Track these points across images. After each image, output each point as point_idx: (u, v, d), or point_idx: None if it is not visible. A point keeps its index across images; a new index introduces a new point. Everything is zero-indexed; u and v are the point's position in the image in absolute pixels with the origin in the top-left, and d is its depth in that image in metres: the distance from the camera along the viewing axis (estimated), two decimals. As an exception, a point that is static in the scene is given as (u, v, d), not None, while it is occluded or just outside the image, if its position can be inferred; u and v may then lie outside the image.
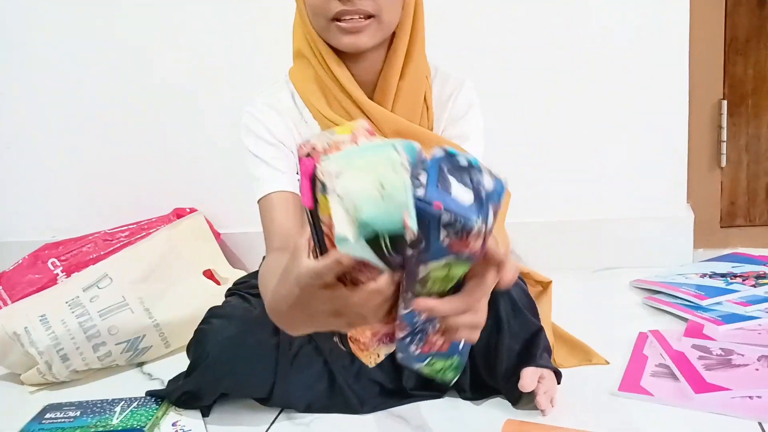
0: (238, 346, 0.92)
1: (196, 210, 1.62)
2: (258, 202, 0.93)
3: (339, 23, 0.86)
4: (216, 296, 1.15)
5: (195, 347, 0.95)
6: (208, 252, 1.48)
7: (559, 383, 0.92)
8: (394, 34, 0.91)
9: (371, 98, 0.93)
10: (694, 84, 1.36)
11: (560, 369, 0.95)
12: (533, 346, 0.92)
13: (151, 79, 1.61)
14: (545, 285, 1.14)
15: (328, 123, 0.92)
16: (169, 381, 1.02)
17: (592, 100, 1.38)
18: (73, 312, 1.18)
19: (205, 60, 1.56)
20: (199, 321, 0.98)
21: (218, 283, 1.40)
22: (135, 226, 1.62)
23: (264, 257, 0.91)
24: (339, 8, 0.85)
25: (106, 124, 1.67)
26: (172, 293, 1.26)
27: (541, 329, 0.95)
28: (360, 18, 0.86)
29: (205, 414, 0.98)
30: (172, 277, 1.30)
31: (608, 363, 1.03)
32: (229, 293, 1.08)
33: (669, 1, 1.32)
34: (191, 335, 0.98)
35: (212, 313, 0.98)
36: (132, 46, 1.60)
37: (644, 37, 1.33)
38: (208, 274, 1.42)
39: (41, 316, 1.17)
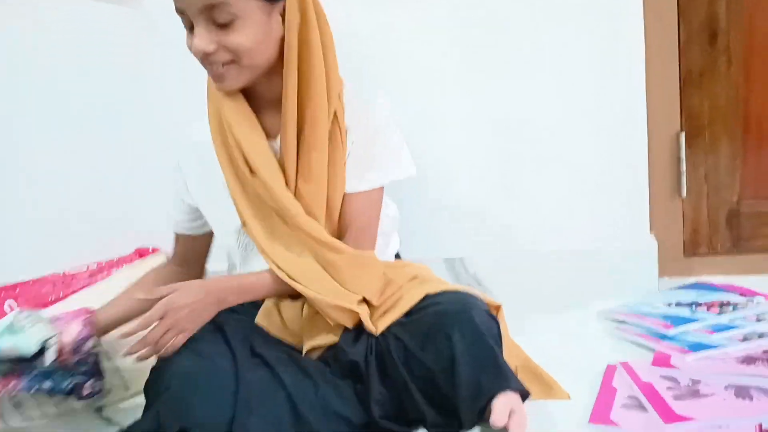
0: (198, 379, 0.89)
1: (158, 250, 1.59)
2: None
3: (210, 69, 0.97)
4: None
5: (153, 383, 0.92)
6: None
7: (524, 400, 0.90)
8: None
9: (277, 121, 1.00)
10: (652, 117, 1.39)
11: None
12: (498, 371, 0.90)
13: (112, 117, 1.59)
14: (496, 308, 1.14)
15: (222, 164, 1.03)
16: (128, 426, 0.98)
17: (553, 135, 1.40)
18: None
19: (169, 98, 1.55)
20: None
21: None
22: (95, 266, 1.58)
23: None
24: (200, 58, 0.96)
25: (64, 163, 1.64)
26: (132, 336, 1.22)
27: (499, 354, 0.93)
28: (219, 66, 0.95)
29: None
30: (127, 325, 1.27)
31: (569, 398, 1.01)
32: None
33: (625, 37, 1.35)
34: None
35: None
36: (94, 86, 1.59)
37: (602, 72, 1.37)
38: None
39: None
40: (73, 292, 1.51)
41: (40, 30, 1.59)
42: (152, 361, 1.02)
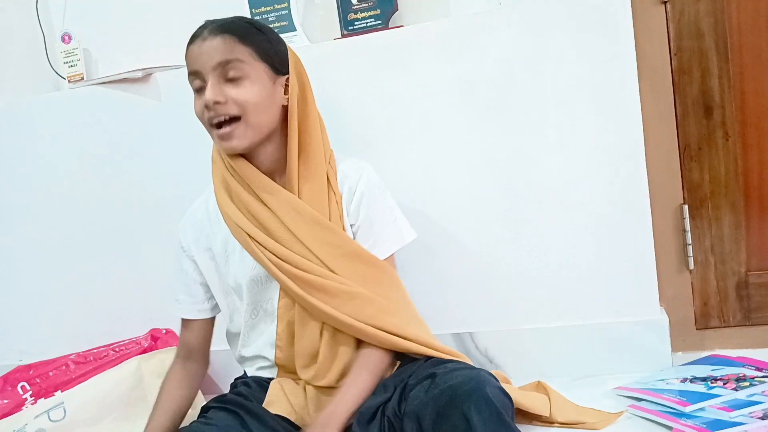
0: None
1: (171, 331, 1.60)
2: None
3: (217, 130, 1.05)
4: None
5: None
6: None
7: None
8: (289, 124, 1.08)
9: (281, 185, 1.09)
10: (654, 191, 1.41)
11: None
12: None
13: (124, 200, 1.64)
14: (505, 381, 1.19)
15: (229, 218, 1.09)
16: None
17: (558, 210, 1.42)
18: None
19: (178, 181, 1.60)
20: None
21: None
22: (109, 348, 1.59)
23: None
24: (209, 114, 1.04)
25: (80, 244, 1.68)
26: None
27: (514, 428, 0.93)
28: (225, 119, 1.03)
29: None
30: (128, 420, 1.26)
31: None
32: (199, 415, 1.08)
33: (623, 113, 1.38)
34: None
35: None
36: (106, 170, 1.65)
37: (602, 149, 1.40)
38: None
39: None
40: (87, 374, 1.52)
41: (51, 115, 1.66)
42: None
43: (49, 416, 1.27)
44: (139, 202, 1.64)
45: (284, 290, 1.08)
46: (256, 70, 1.04)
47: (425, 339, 1.09)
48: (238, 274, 1.11)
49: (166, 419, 1.12)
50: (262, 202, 1.07)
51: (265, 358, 1.13)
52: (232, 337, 1.21)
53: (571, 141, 1.41)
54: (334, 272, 1.06)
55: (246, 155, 1.08)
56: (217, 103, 1.02)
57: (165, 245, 1.62)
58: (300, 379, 1.10)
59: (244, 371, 1.19)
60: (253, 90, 1.03)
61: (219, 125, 1.04)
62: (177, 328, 1.60)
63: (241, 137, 1.04)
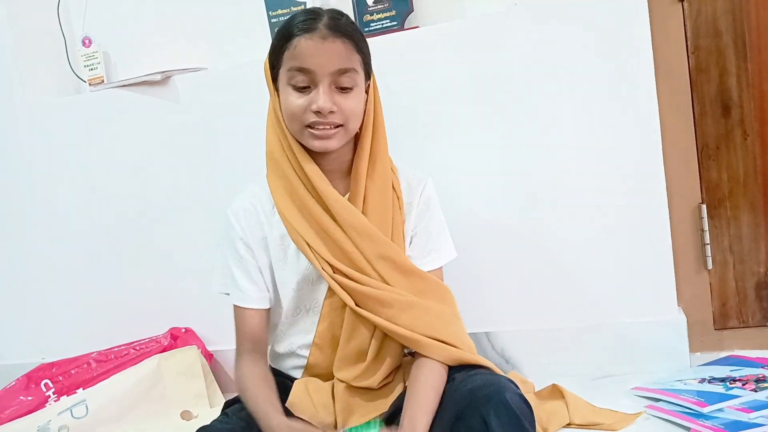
0: None
1: (191, 330, 1.62)
2: (234, 305, 1.11)
3: (312, 130, 1.02)
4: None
5: None
6: (193, 391, 1.45)
7: None
8: (360, 130, 1.06)
9: (343, 186, 1.07)
10: (672, 191, 1.40)
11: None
12: None
13: (144, 200, 1.67)
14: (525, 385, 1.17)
15: (286, 220, 1.06)
16: None
17: (576, 210, 1.42)
18: None
19: (196, 182, 1.62)
20: None
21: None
22: (129, 347, 1.61)
23: (236, 358, 1.09)
24: (313, 119, 1.01)
25: (99, 245, 1.71)
26: None
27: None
28: (330, 128, 1.01)
29: None
30: (149, 418, 1.28)
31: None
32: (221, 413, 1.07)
33: (641, 113, 1.38)
34: None
35: (199, 430, 0.96)
36: (126, 170, 1.67)
37: (620, 148, 1.39)
38: (186, 415, 1.39)
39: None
40: (108, 372, 1.54)
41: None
42: None
43: (72, 413, 1.29)
44: (158, 203, 1.66)
45: (333, 291, 1.07)
46: (360, 78, 1.03)
47: (472, 347, 1.08)
48: (291, 271, 1.09)
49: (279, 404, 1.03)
50: (325, 209, 1.05)
51: (299, 356, 1.12)
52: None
53: (588, 140, 1.40)
54: (389, 284, 1.05)
55: (315, 154, 1.06)
56: (331, 112, 1.00)
57: (184, 245, 1.65)
58: (330, 379, 1.09)
59: (270, 367, 1.19)
60: (359, 100, 1.03)
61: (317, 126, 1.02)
62: (196, 327, 1.64)
63: (339, 140, 1.03)
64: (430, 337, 1.03)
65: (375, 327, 1.05)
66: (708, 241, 1.45)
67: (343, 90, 1.01)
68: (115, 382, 1.38)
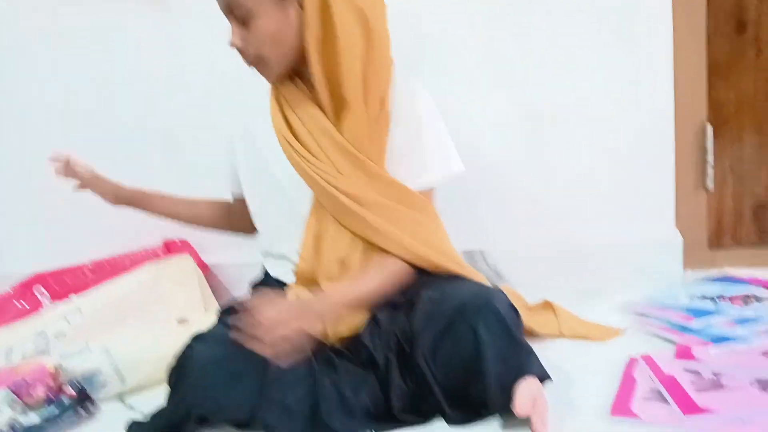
0: (222, 367, 0.91)
1: (186, 242, 1.61)
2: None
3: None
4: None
5: (176, 370, 0.94)
6: (189, 298, 1.45)
7: (542, 382, 0.92)
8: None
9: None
10: (679, 108, 1.37)
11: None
12: (523, 359, 0.92)
13: (139, 110, 1.62)
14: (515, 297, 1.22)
15: (274, 123, 1.10)
16: (152, 414, 0.99)
17: (578, 126, 1.39)
18: (36, 346, 1.19)
19: (191, 94, 1.57)
20: (163, 366, 0.97)
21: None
22: (125, 258, 1.61)
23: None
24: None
25: (93, 153, 1.67)
26: (139, 341, 1.24)
27: (523, 341, 0.95)
28: (249, 63, 1.05)
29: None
30: (146, 321, 1.29)
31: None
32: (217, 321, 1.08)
33: (653, 29, 1.34)
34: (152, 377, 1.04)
35: (195, 337, 0.97)
36: (119, 79, 1.62)
37: (630, 65, 1.35)
38: (181, 321, 1.40)
39: (8, 349, 1.17)
40: (101, 281, 1.55)
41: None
42: (148, 355, 1.16)
43: (67, 319, 1.30)
44: (149, 115, 1.62)
45: (317, 199, 1.08)
46: (260, 6, 1.00)
47: (454, 256, 1.09)
48: (279, 168, 1.11)
49: (179, 199, 1.26)
50: (302, 120, 1.08)
51: (290, 260, 1.13)
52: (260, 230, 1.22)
53: (596, 56, 1.36)
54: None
55: (299, 75, 1.08)
56: (239, 49, 1.03)
57: (176, 154, 1.62)
58: (320, 292, 1.10)
59: (265, 272, 1.20)
60: (262, 27, 1.00)
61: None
62: (191, 237, 1.63)
63: (270, 73, 1.06)
64: (405, 237, 1.04)
65: (354, 234, 1.06)
66: (711, 161, 1.43)
67: (244, 23, 1.01)
68: (110, 288, 1.39)
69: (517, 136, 1.42)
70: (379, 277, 1.04)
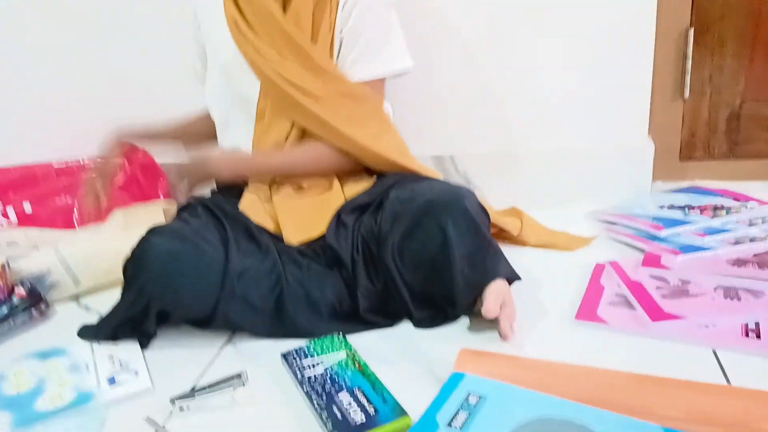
0: (181, 260, 0.86)
1: (144, 151, 1.50)
2: None
3: None
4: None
5: (134, 262, 0.89)
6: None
7: (510, 284, 0.92)
8: None
9: None
10: (661, 11, 1.30)
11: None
12: (491, 260, 0.91)
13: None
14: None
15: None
16: (108, 312, 0.95)
17: (553, 25, 1.32)
18: None
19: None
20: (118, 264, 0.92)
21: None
22: (83, 162, 1.51)
23: None
24: None
25: (56, 58, 1.53)
26: (91, 241, 1.19)
27: (492, 241, 0.93)
28: None
29: (143, 345, 0.92)
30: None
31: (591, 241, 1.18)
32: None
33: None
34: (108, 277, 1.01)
35: (152, 231, 0.91)
36: None
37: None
38: None
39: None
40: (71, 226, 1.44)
41: None
42: (99, 254, 1.12)
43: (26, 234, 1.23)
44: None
45: (262, 83, 1.05)
46: None
47: (397, 153, 1.06)
48: (224, 50, 1.08)
49: (180, 123, 1.23)
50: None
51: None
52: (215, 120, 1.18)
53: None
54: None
55: None
56: None
57: (147, 66, 1.49)
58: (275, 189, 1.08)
59: None
60: None
61: None
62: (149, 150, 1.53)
63: None
64: (343, 127, 1.03)
65: (293, 123, 1.06)
66: (689, 69, 1.38)
67: None
68: (85, 239, 1.29)
69: (485, 35, 1.34)
70: (297, 154, 1.06)
